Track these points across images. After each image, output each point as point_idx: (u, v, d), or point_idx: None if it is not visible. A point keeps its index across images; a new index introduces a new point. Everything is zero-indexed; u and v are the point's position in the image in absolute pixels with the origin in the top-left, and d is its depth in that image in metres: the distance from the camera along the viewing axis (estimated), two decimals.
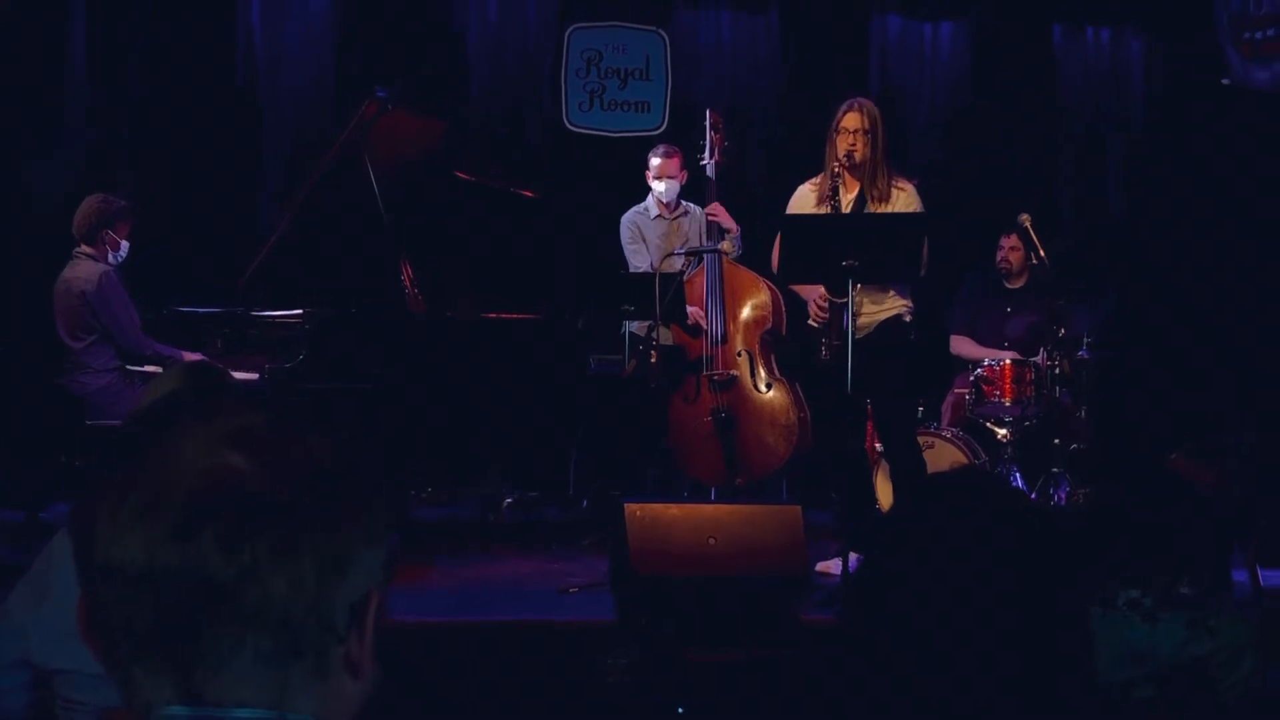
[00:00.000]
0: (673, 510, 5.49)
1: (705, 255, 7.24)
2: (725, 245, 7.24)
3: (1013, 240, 7.95)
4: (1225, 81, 8.51)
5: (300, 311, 6.68)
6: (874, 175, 6.36)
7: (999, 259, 8.04)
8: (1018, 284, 8.03)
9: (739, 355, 7.22)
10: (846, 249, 5.83)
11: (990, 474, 6.94)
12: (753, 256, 7.30)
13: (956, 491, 1.59)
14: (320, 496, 1.07)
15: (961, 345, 8.04)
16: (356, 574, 1.09)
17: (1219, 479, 6.14)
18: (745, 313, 7.26)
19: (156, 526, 1.04)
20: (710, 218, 7.19)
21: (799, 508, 5.52)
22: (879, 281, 6.26)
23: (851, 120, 6.35)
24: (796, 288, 6.77)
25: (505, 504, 7.79)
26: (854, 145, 6.31)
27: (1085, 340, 7.42)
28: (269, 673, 1.06)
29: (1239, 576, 5.82)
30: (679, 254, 7.17)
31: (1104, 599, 2.68)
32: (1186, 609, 2.75)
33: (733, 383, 7.20)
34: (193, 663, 1.05)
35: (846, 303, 5.99)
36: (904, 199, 6.36)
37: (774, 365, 7.26)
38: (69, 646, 2.37)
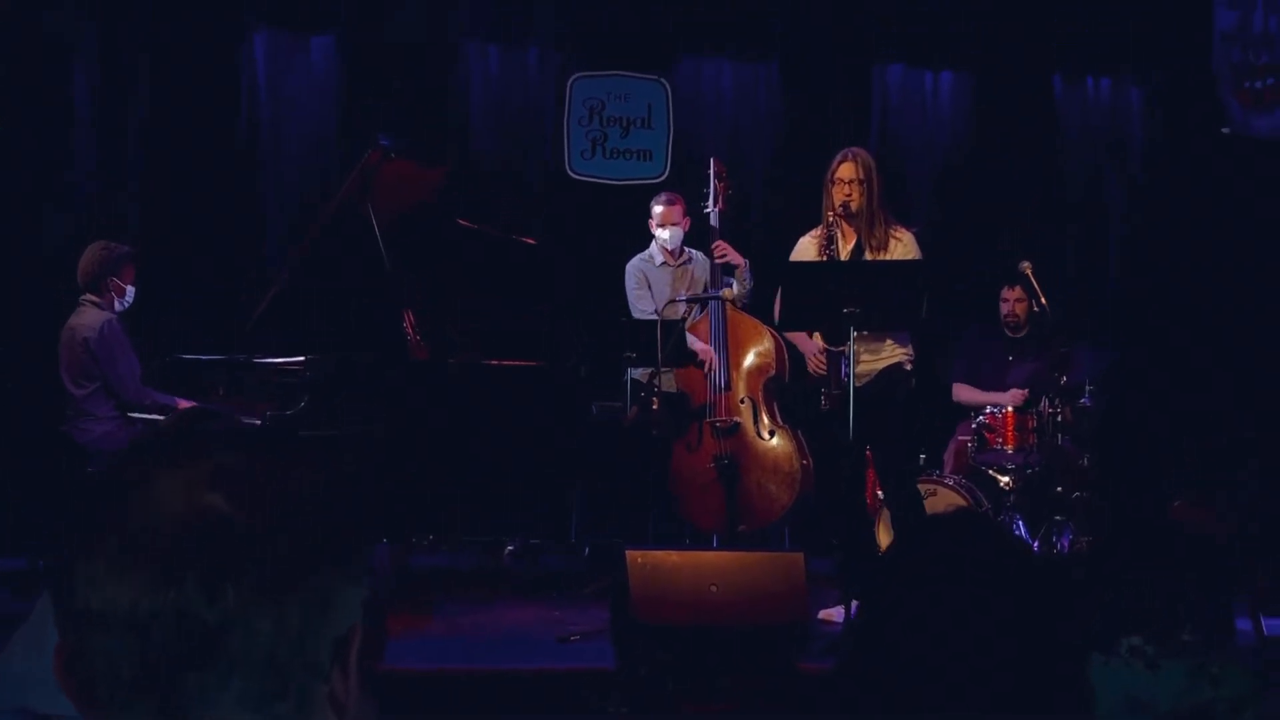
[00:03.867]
0: (674, 557, 5.48)
1: (710, 302, 7.26)
2: (728, 292, 7.26)
3: (1017, 292, 7.97)
4: (1225, 130, 8.54)
5: (303, 359, 6.69)
6: (871, 224, 6.39)
7: (1005, 312, 8.05)
8: (1020, 333, 8.05)
9: (742, 402, 7.22)
10: (846, 296, 5.85)
11: (987, 515, 6.94)
12: (754, 304, 7.31)
13: (955, 527, 1.60)
14: (300, 535, 1.07)
15: (963, 393, 8.05)
16: (339, 611, 1.09)
17: (1220, 527, 6.14)
18: (749, 360, 7.27)
19: (139, 572, 1.03)
20: (719, 257, 7.21)
21: (801, 555, 5.51)
22: (879, 329, 6.27)
23: (846, 170, 6.39)
24: (794, 339, 6.79)
25: (506, 551, 7.77)
26: (849, 195, 6.35)
27: (1087, 388, 7.42)
28: (254, 714, 1.06)
29: (1242, 625, 5.80)
30: (681, 300, 7.19)
31: (1105, 646, 2.67)
32: (1188, 656, 2.74)
33: (736, 430, 7.19)
34: (178, 707, 1.05)
35: (844, 351, 6.01)
36: (901, 247, 6.39)
37: (777, 413, 7.26)
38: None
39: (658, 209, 7.54)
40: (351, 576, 1.11)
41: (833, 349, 6.24)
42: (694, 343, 7.20)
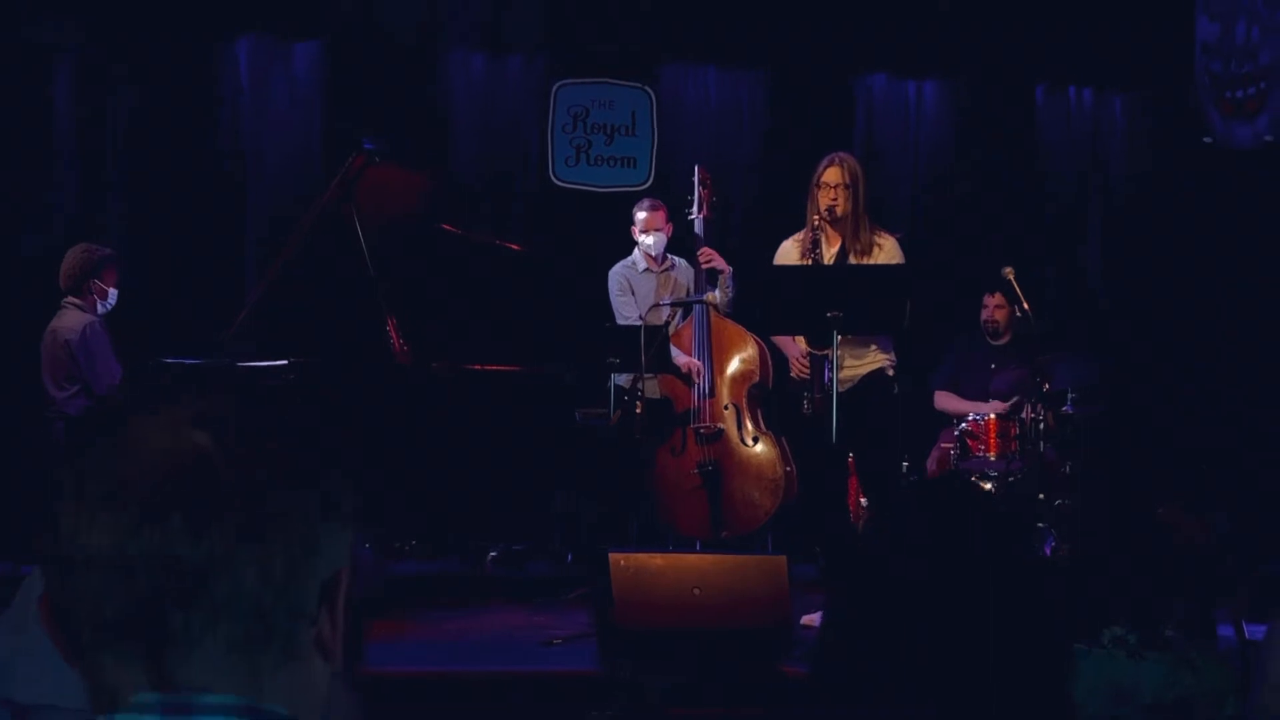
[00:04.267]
0: (657, 560, 5.47)
1: (694, 308, 7.26)
2: (712, 296, 7.26)
3: (997, 299, 7.99)
4: (1207, 140, 8.56)
5: (286, 362, 6.67)
6: (855, 229, 6.40)
7: (985, 318, 8.07)
8: (1002, 340, 8.07)
9: (726, 409, 7.22)
10: (830, 300, 5.86)
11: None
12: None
13: (936, 491, 1.61)
14: (286, 477, 1.07)
15: (946, 401, 8.06)
16: (324, 555, 1.09)
17: (1205, 532, 6.13)
18: (733, 366, 7.27)
19: (123, 511, 1.03)
20: (705, 263, 7.21)
21: (784, 558, 5.51)
22: (862, 333, 6.28)
23: (832, 175, 6.40)
24: (778, 342, 6.80)
25: (490, 557, 7.75)
26: (835, 200, 6.36)
27: (1069, 395, 7.43)
28: (240, 656, 1.05)
29: (1225, 631, 5.81)
30: (665, 304, 7.19)
31: (1088, 636, 2.68)
32: (1171, 649, 2.75)
33: (719, 436, 7.19)
34: (163, 648, 1.04)
35: (827, 355, 6.01)
36: (884, 253, 6.41)
37: (761, 419, 7.26)
38: (50, 681, 2.35)
39: (641, 215, 7.55)
40: (338, 518, 1.10)
41: (816, 352, 6.24)
42: (677, 356, 7.19)
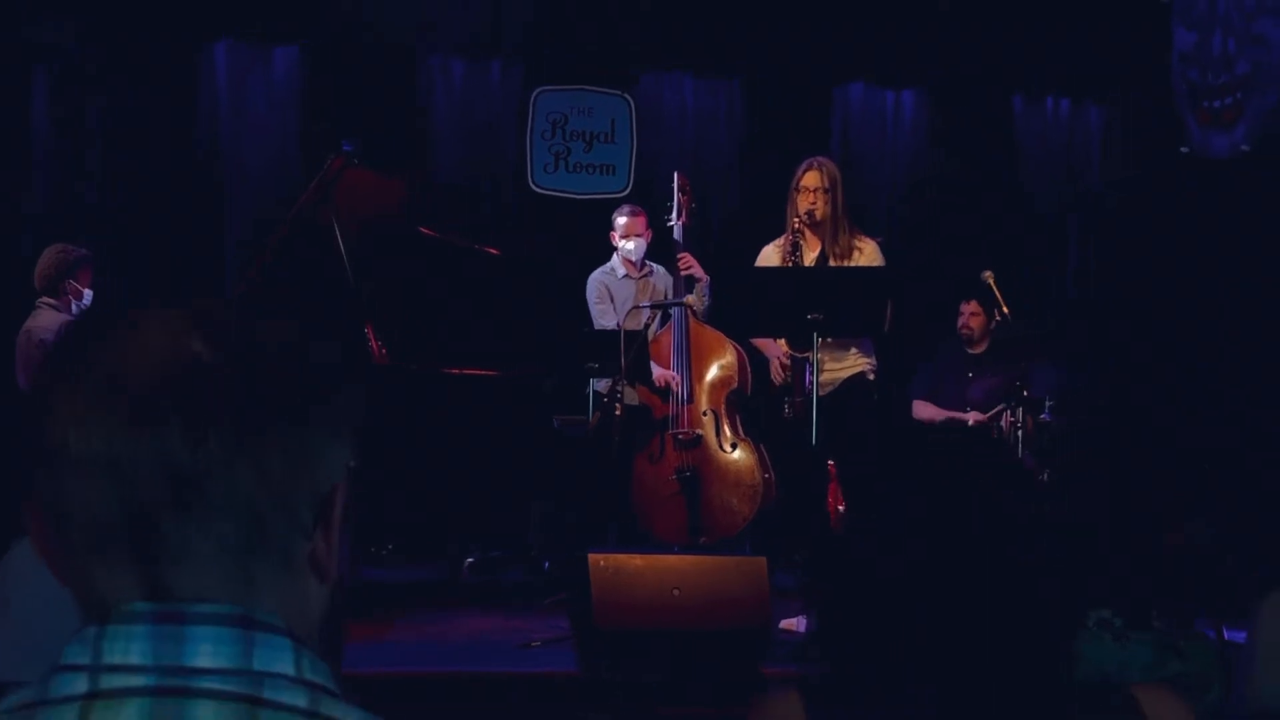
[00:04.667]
0: (637, 561, 5.45)
1: (673, 313, 7.24)
2: (691, 299, 7.24)
3: (973, 306, 7.99)
4: (1184, 150, 8.60)
5: None
6: (835, 233, 6.42)
7: (960, 325, 8.07)
8: (979, 349, 8.07)
9: (704, 415, 7.20)
10: (810, 302, 5.86)
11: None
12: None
13: (943, 449, 1.60)
14: (285, 385, 1.05)
15: (924, 410, 8.05)
16: (323, 466, 1.07)
17: (1187, 538, 6.14)
18: (711, 372, 7.25)
19: (116, 413, 1.00)
20: (684, 269, 7.20)
21: (764, 559, 5.49)
22: (842, 335, 6.28)
23: (811, 179, 6.42)
24: (759, 344, 6.79)
25: (466, 564, 7.71)
26: (814, 203, 6.37)
27: (1047, 403, 7.42)
28: (234, 566, 1.03)
29: (1207, 633, 5.81)
30: (644, 307, 7.17)
31: (1076, 620, 2.66)
32: (1156, 633, 2.75)
33: (698, 442, 7.17)
34: (156, 555, 1.02)
35: (808, 358, 6.01)
36: (865, 256, 6.42)
37: (739, 425, 7.24)
38: (30, 660, 2.32)
39: (621, 220, 7.54)
40: (336, 431, 1.08)
41: (797, 355, 6.24)
42: (654, 369, 7.17)
